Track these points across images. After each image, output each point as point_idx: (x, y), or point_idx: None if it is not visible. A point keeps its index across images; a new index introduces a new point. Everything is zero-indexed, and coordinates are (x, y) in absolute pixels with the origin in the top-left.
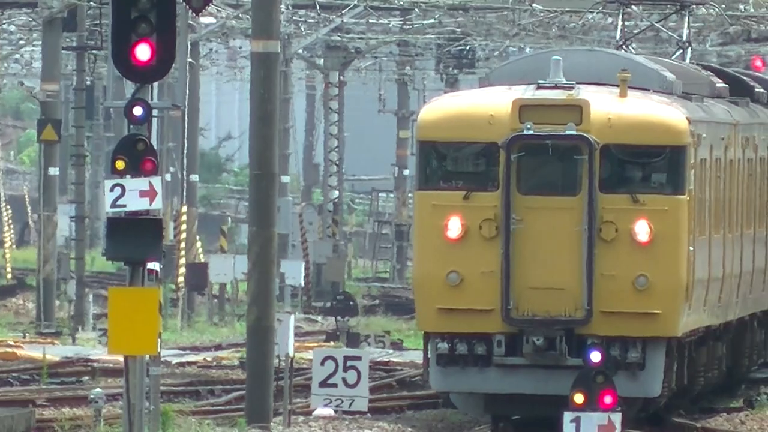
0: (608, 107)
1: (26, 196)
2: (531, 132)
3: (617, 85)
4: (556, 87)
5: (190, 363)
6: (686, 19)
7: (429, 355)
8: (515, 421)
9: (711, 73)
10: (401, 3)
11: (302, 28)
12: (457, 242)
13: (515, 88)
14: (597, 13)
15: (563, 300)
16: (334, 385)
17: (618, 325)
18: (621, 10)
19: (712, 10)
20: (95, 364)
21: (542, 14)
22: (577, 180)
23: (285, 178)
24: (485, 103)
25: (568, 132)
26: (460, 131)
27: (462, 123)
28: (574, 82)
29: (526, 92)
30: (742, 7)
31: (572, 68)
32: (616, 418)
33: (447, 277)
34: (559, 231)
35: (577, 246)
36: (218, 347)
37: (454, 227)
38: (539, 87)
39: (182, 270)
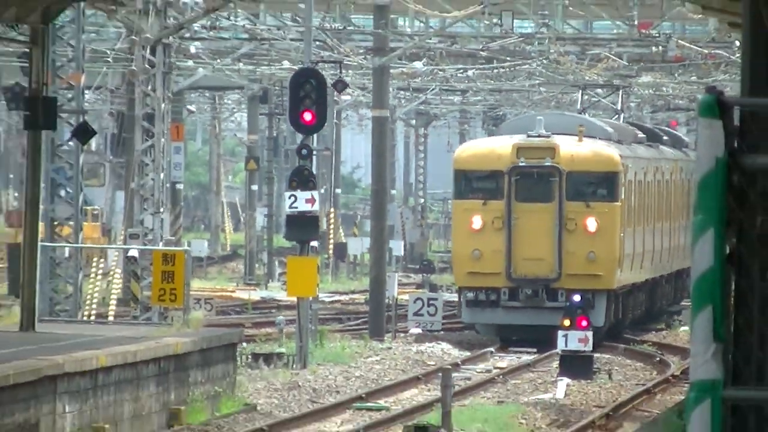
0: (571, 148)
1: (238, 203)
2: (524, 163)
3: (576, 135)
4: (539, 136)
5: (335, 301)
6: (620, 95)
7: (461, 301)
8: (517, 340)
9: (635, 128)
10: (462, 86)
11: (402, 102)
12: (478, 232)
13: (514, 136)
14: (580, 94)
15: (543, 266)
16: (422, 315)
17: (577, 282)
18: (581, 91)
19: (646, 91)
20: (279, 302)
21: (545, 94)
22: (552, 193)
23: (392, 191)
24: (495, 146)
25: (546, 163)
26: (479, 163)
27: (481, 158)
28: (550, 133)
29: (521, 139)
30: (664, 89)
31: (549, 124)
32: (589, 334)
33: (472, 253)
34: (541, 224)
35: (552, 233)
36: (353, 292)
37: (477, 222)
38: (528, 136)
39: (331, 247)
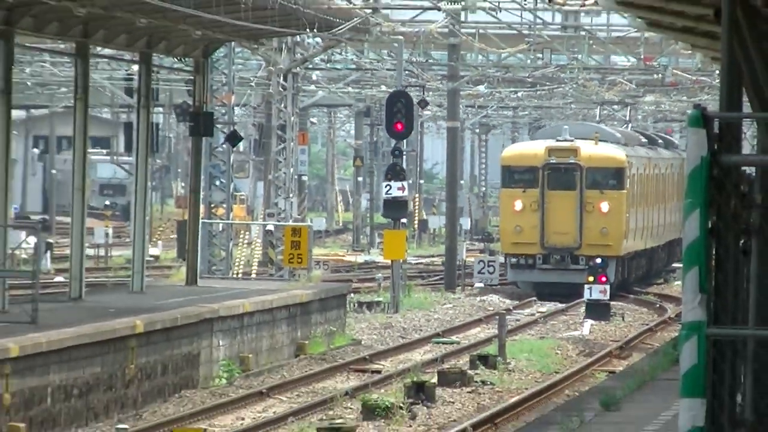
0: (589, 150)
1: (347, 190)
2: (554, 161)
3: (593, 139)
4: (565, 140)
5: (419, 263)
6: (629, 110)
7: (507, 264)
8: (548, 293)
9: (638, 134)
10: (513, 104)
11: (469, 115)
12: (519, 213)
13: (546, 140)
14: (599, 109)
15: (568, 238)
16: (483, 273)
17: (593, 250)
18: (599, 108)
19: (649, 107)
20: (378, 264)
21: (575, 109)
22: (575, 183)
23: (461, 182)
24: (532, 147)
25: (570, 161)
26: (520, 160)
27: (521, 157)
28: (573, 138)
29: (551, 142)
30: (663, 106)
31: (573, 131)
32: (607, 287)
33: (514, 228)
34: (567, 207)
35: (575, 213)
36: (432, 256)
37: (518, 205)
38: (557, 140)
39: (416, 222)
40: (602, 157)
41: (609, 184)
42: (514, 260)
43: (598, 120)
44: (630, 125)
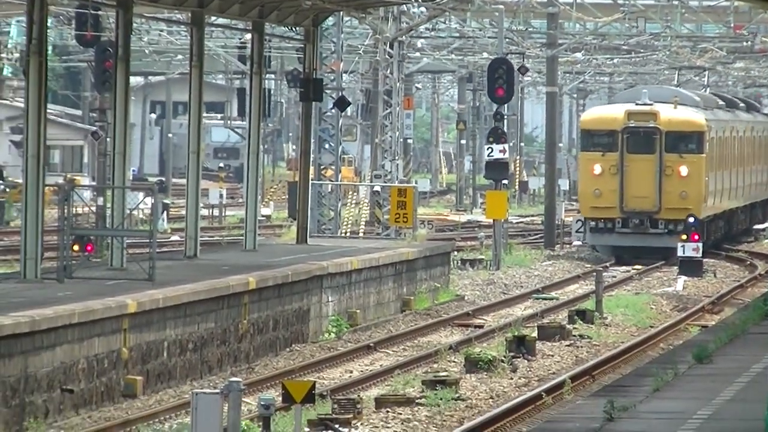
0: (668, 113)
1: (451, 152)
2: (633, 125)
3: (672, 103)
4: (644, 104)
5: (520, 222)
6: (707, 75)
7: (586, 228)
8: (627, 257)
9: (716, 97)
10: (609, 70)
11: (567, 81)
12: (598, 176)
13: (625, 104)
14: (679, 74)
15: (647, 202)
16: (581, 232)
17: (673, 214)
18: (677, 73)
19: (739, 74)
20: (480, 223)
21: (668, 75)
22: (654, 147)
23: (560, 144)
24: (612, 111)
25: (650, 125)
26: (600, 124)
27: (601, 120)
28: (652, 102)
29: (631, 106)
30: (753, 72)
31: (652, 95)
32: (699, 244)
33: (593, 192)
34: (646, 170)
35: (654, 177)
36: (532, 216)
37: (597, 169)
38: (636, 104)
39: (517, 183)
40: (681, 121)
41: (688, 148)
42: (593, 224)
43: (676, 84)
44: (708, 89)
